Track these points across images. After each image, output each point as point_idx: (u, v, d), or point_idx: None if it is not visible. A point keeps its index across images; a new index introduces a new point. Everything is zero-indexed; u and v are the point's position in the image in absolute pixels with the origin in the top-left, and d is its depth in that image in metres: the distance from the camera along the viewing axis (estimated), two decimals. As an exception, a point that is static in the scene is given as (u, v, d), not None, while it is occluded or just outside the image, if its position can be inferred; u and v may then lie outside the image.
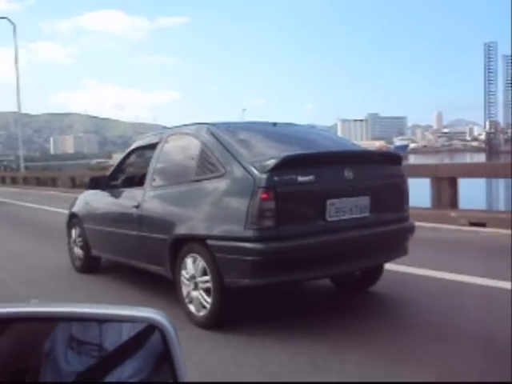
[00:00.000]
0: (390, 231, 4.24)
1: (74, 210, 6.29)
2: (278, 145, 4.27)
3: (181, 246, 4.14)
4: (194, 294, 4.00)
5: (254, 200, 3.57)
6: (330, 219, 3.84)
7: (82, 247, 6.02)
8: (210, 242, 3.82)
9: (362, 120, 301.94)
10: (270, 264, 3.59)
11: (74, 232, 6.22)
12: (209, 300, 3.87)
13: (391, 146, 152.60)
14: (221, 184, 3.93)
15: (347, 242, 3.93)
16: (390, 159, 4.60)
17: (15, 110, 38.21)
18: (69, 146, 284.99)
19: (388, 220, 4.24)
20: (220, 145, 4.11)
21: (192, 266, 4.02)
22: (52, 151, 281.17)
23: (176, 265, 4.20)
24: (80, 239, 6.05)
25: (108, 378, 0.78)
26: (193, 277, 4.01)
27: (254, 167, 3.71)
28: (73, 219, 6.29)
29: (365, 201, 4.06)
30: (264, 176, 3.61)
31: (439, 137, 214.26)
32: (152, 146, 5.04)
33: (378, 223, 4.14)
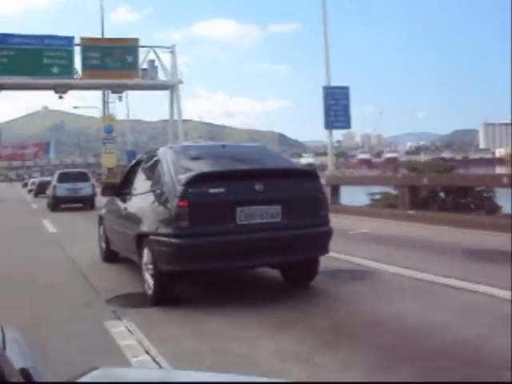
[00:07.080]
0: (301, 234, 5.22)
1: (100, 211, 7.90)
2: (213, 163, 5.45)
3: (141, 240, 5.47)
4: (146, 276, 5.29)
5: (173, 206, 4.82)
6: (240, 222, 4.97)
7: (105, 242, 7.56)
8: (150, 237, 5.13)
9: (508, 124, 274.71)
10: (184, 255, 4.84)
11: (100, 229, 7.81)
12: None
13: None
14: (159, 194, 5.23)
15: (254, 240, 5.02)
16: (306, 175, 5.58)
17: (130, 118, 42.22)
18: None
19: (300, 225, 5.22)
20: (166, 164, 5.40)
21: (145, 255, 5.32)
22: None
23: (139, 255, 5.53)
24: (103, 235, 7.61)
25: None
26: (145, 263, 5.32)
27: (178, 181, 4.95)
28: (100, 219, 7.90)
29: (276, 209, 5.10)
30: (181, 188, 4.83)
31: None
32: (140, 163, 6.46)
33: (289, 227, 5.14)
